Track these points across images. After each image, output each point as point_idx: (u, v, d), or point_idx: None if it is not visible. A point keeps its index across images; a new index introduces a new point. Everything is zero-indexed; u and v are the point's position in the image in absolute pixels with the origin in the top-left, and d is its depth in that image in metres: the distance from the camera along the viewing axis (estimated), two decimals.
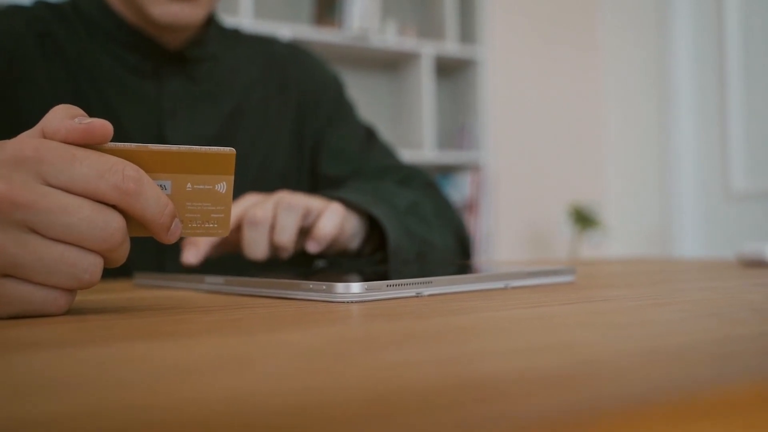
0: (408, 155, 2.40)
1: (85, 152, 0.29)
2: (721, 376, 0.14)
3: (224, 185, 0.34)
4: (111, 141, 0.31)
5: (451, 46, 2.51)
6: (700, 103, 2.75)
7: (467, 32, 2.62)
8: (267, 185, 0.76)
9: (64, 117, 0.30)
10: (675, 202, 2.81)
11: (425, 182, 0.80)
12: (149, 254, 0.69)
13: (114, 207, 0.30)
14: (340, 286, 0.34)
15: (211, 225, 0.34)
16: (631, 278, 0.47)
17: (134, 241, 0.68)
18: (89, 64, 0.70)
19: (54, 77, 0.69)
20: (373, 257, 0.65)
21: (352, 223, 0.61)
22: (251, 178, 0.76)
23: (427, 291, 0.36)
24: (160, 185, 0.32)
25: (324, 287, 0.34)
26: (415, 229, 0.66)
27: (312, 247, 0.56)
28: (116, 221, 0.30)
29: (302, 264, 0.60)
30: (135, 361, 0.18)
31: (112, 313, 0.31)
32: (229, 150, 0.33)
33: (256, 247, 0.54)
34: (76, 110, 0.31)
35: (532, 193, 2.83)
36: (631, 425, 0.12)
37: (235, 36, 0.83)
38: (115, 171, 0.29)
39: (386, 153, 0.84)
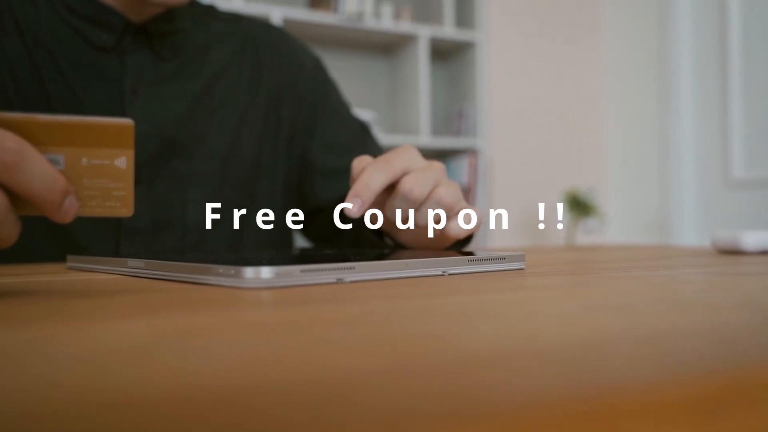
0: (404, 140, 2.36)
1: None
2: (551, 387, 0.12)
3: (124, 160, 0.31)
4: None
5: (448, 30, 2.47)
6: (700, 90, 2.71)
7: (464, 16, 2.57)
8: (236, 169, 0.74)
9: None
10: (674, 190, 2.77)
11: None
12: (107, 238, 0.67)
13: None
14: (248, 271, 0.31)
15: (113, 204, 0.32)
16: (585, 266, 0.45)
17: (90, 224, 0.66)
18: (48, 38, 0.67)
19: (10, 51, 0.66)
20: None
21: None
22: (219, 162, 0.73)
23: (349, 277, 0.34)
24: (52, 159, 0.30)
25: (232, 272, 0.32)
26: None
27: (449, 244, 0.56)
28: None
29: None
30: None
31: None
32: (127, 121, 0.31)
33: (399, 217, 0.52)
34: None
35: (529, 179, 2.80)
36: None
37: (209, 13, 0.79)
38: None
39: (380, 148, 0.84)
